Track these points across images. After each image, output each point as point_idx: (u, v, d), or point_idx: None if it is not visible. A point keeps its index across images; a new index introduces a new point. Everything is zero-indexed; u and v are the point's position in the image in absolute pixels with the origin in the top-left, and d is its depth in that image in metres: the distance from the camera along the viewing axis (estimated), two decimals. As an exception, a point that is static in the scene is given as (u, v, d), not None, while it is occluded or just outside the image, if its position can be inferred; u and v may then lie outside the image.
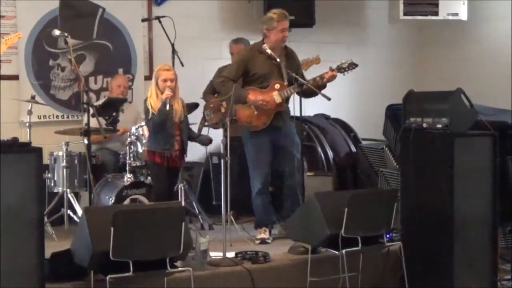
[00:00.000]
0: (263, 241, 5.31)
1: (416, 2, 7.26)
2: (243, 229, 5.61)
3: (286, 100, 5.40)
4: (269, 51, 5.29)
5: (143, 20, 6.59)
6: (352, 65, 5.37)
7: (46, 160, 5.44)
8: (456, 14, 7.24)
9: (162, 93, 5.17)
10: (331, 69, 5.35)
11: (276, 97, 5.31)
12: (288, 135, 5.47)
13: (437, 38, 8.00)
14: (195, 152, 6.43)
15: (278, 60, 5.27)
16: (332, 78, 5.33)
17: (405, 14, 7.27)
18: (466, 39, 7.64)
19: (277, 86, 5.34)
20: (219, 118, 6.03)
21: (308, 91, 5.35)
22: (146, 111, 5.25)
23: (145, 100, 5.30)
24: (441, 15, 7.25)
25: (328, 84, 5.40)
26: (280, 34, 5.36)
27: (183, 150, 5.39)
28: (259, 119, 5.35)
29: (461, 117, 4.83)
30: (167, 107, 5.10)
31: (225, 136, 4.92)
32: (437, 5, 7.22)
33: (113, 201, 5.54)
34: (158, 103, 5.17)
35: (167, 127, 5.22)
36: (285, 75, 5.38)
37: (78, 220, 5.13)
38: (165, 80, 5.18)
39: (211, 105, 6.22)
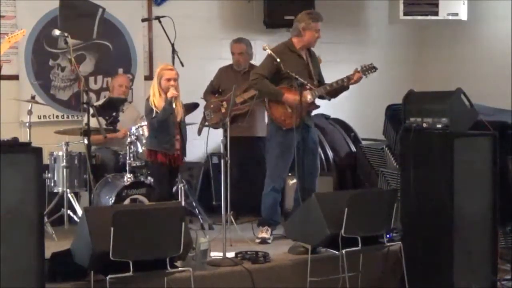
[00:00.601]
0: (263, 241, 5.31)
1: (416, 2, 7.26)
2: (251, 229, 5.58)
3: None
4: (269, 51, 5.28)
5: (143, 20, 6.59)
6: (373, 68, 5.43)
7: (46, 160, 5.44)
8: (456, 14, 7.24)
9: (165, 92, 5.19)
10: (357, 71, 5.39)
11: (309, 96, 5.34)
12: (313, 136, 5.57)
13: (437, 38, 7.99)
14: (195, 152, 6.43)
15: (278, 60, 5.26)
16: (359, 79, 5.39)
17: (405, 14, 7.27)
18: (466, 39, 7.64)
19: (308, 85, 5.38)
20: (219, 118, 6.05)
21: (331, 92, 5.41)
22: (149, 110, 5.26)
23: (147, 99, 5.31)
24: (441, 15, 7.25)
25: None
26: (315, 34, 5.45)
27: (183, 150, 5.40)
28: (292, 118, 5.36)
29: (461, 117, 4.83)
30: (173, 105, 5.12)
31: (225, 136, 4.93)
32: (437, 5, 7.22)
33: (113, 201, 5.53)
34: (161, 102, 5.19)
35: (170, 127, 5.23)
36: (314, 74, 5.47)
37: (78, 220, 5.13)
38: (168, 80, 5.22)
39: (212, 105, 6.23)
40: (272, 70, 5.33)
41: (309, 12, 5.56)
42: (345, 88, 5.46)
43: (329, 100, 5.34)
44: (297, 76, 5.22)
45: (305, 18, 5.47)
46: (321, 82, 5.56)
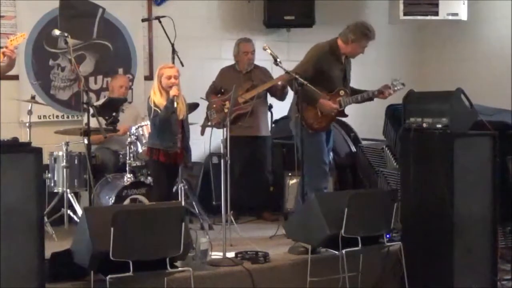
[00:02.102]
0: None
1: (416, 2, 7.25)
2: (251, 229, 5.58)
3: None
4: (269, 51, 5.26)
5: (143, 20, 6.58)
6: (402, 85, 5.53)
7: (46, 160, 5.44)
8: (456, 14, 7.24)
9: (166, 90, 5.18)
10: (388, 86, 5.48)
11: (340, 104, 5.44)
12: (331, 139, 5.68)
13: (437, 38, 7.99)
14: (195, 152, 6.42)
15: (277, 58, 5.24)
16: (389, 95, 5.50)
17: (405, 14, 7.27)
18: (466, 39, 7.64)
19: (341, 92, 5.47)
20: (222, 118, 6.05)
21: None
22: (150, 109, 5.26)
23: (148, 98, 5.30)
24: (441, 15, 7.25)
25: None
26: (360, 50, 5.49)
27: (186, 148, 5.39)
28: (321, 123, 5.44)
29: (461, 117, 4.83)
30: (174, 105, 5.12)
31: (224, 136, 4.93)
32: (437, 5, 7.21)
33: (113, 201, 5.54)
34: (162, 100, 5.18)
35: (172, 125, 5.22)
36: (347, 81, 5.56)
37: (78, 220, 5.13)
38: (169, 77, 5.19)
39: (214, 105, 6.23)
40: (314, 70, 5.34)
41: (366, 28, 5.45)
42: (371, 99, 5.54)
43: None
44: (297, 76, 5.21)
45: (358, 33, 5.42)
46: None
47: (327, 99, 5.43)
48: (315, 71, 5.34)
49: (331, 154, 6.56)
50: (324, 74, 5.39)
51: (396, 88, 5.51)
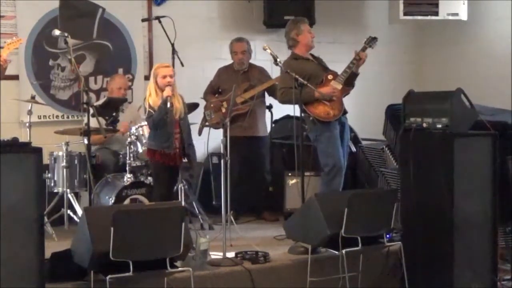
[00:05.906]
0: None
1: (416, 2, 7.26)
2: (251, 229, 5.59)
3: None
4: (269, 50, 5.26)
5: (143, 20, 6.59)
6: (375, 39, 5.59)
7: (46, 160, 5.44)
8: (456, 14, 7.24)
9: (161, 90, 5.16)
10: (360, 52, 5.51)
11: (337, 85, 5.50)
12: (348, 134, 5.74)
13: (437, 38, 7.99)
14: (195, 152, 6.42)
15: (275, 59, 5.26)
16: (365, 57, 5.53)
17: (405, 14, 7.28)
18: (466, 39, 7.64)
19: (330, 76, 5.58)
20: (219, 118, 6.05)
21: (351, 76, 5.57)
22: (145, 110, 5.25)
23: (144, 99, 5.30)
24: (441, 15, 7.25)
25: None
26: (309, 34, 5.67)
27: (184, 148, 5.37)
28: (334, 108, 5.51)
29: (461, 117, 4.83)
30: (168, 105, 5.10)
31: (225, 136, 4.93)
32: (437, 5, 7.22)
33: (113, 201, 5.54)
34: (158, 101, 5.16)
35: (167, 125, 5.20)
36: (327, 67, 5.69)
37: (78, 220, 5.13)
38: (164, 76, 5.16)
39: (212, 105, 6.23)
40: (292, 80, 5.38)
41: (293, 20, 5.76)
42: (354, 77, 5.59)
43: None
44: (296, 76, 5.21)
45: (293, 26, 5.67)
46: None
47: (322, 89, 5.49)
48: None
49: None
50: (304, 73, 5.43)
51: (372, 44, 5.58)
